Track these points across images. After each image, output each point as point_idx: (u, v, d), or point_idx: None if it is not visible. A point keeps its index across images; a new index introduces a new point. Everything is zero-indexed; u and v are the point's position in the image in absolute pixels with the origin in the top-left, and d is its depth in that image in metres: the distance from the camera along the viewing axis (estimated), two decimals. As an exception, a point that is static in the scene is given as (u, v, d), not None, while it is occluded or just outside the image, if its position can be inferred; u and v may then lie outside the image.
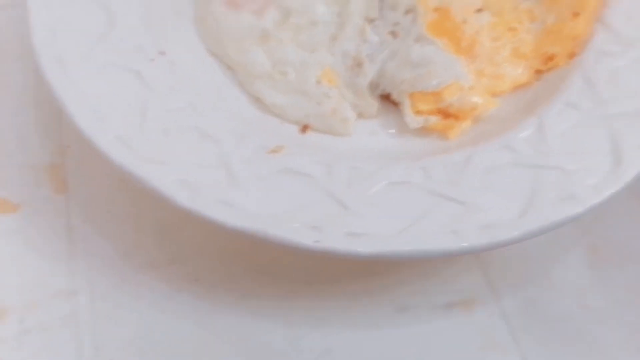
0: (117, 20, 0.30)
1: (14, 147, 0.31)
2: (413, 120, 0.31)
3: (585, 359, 0.28)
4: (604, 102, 0.29)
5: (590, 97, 0.30)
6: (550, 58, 0.33)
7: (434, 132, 0.32)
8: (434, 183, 0.26)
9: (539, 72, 0.34)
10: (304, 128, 0.32)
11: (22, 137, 0.32)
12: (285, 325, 0.27)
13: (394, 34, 0.35)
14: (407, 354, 0.27)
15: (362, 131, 0.32)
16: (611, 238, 0.31)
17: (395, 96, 0.33)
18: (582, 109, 0.29)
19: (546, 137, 0.28)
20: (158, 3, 0.33)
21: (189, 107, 0.28)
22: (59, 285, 0.27)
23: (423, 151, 0.30)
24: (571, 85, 0.31)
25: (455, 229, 0.24)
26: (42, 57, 0.27)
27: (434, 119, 0.32)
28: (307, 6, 0.34)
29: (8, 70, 0.34)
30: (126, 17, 0.31)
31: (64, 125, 0.32)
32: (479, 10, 0.35)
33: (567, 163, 0.27)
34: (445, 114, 0.32)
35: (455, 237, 0.24)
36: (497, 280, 0.29)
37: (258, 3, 0.34)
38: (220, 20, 0.34)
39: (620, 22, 0.33)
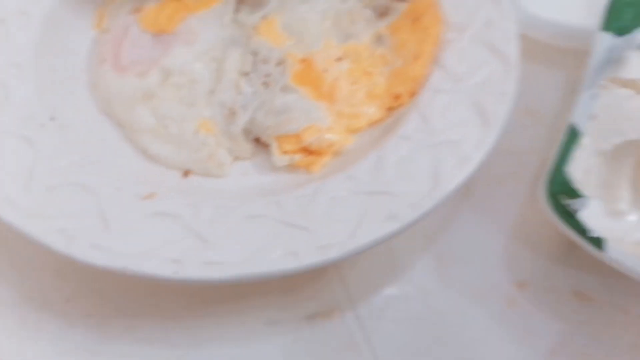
0: (11, 94, 0.34)
1: None
2: (279, 159, 0.36)
3: (430, 354, 0.32)
4: (432, 133, 0.34)
5: (422, 129, 0.35)
6: (397, 97, 0.39)
7: (299, 168, 0.36)
8: (285, 214, 0.31)
9: (390, 110, 0.39)
10: (186, 173, 0.36)
11: None
12: (169, 348, 0.31)
13: (266, 84, 0.39)
14: (274, 361, 0.31)
15: (237, 172, 0.36)
16: (453, 247, 0.36)
17: (264, 139, 0.37)
18: (414, 140, 0.34)
19: (382, 167, 0.33)
20: (53, 73, 0.38)
21: (73, 166, 0.32)
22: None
23: (284, 186, 0.34)
24: (408, 121, 0.36)
25: (295, 250, 0.28)
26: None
27: (298, 157, 0.36)
28: (185, 66, 0.39)
29: None
30: (20, 90, 0.35)
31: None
32: (339, 59, 0.40)
33: (394, 188, 0.31)
34: (308, 151, 0.37)
35: (294, 259, 0.28)
36: (354, 291, 0.34)
37: (142, 66, 0.39)
38: (110, 84, 0.38)
39: (453, 63, 0.38)
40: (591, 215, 0.34)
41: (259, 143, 0.38)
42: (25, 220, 0.28)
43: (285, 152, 0.36)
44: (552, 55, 0.43)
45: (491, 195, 0.38)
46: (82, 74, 0.39)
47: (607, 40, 0.39)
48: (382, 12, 0.43)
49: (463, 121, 0.35)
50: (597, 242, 0.31)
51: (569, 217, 0.31)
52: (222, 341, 0.31)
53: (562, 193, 0.32)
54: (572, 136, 0.34)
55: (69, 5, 0.41)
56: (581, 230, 0.31)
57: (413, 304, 0.33)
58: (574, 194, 0.32)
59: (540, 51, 0.43)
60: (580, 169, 0.35)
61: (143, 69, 0.39)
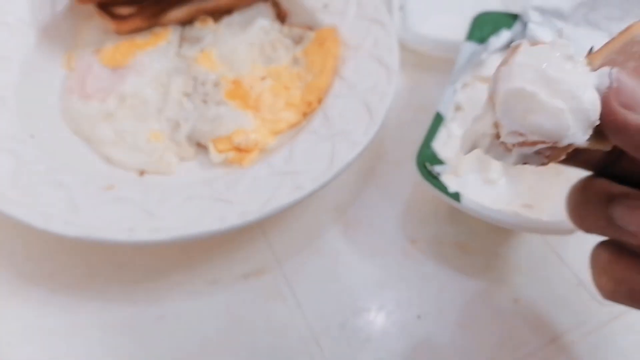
0: (-2, 118, 0.43)
1: None
2: (216, 157, 0.45)
3: (340, 300, 0.40)
4: (332, 126, 0.44)
5: (324, 125, 0.44)
6: (309, 104, 0.48)
7: (234, 163, 0.45)
8: (216, 193, 0.39)
9: (305, 114, 0.48)
10: (141, 173, 0.44)
11: None
12: (131, 305, 0.38)
13: (204, 101, 0.48)
14: (219, 313, 0.38)
15: (184, 170, 0.45)
16: (359, 216, 0.44)
17: (203, 142, 0.46)
18: (318, 133, 0.43)
19: (293, 154, 0.42)
20: (31, 104, 0.46)
21: (49, 169, 0.40)
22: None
23: (219, 176, 0.43)
24: (315, 120, 0.45)
25: (222, 216, 0.37)
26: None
27: (231, 154, 0.45)
28: (138, 92, 0.47)
29: None
30: (4, 116, 0.43)
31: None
32: (264, 78, 0.50)
33: (301, 168, 0.40)
34: (239, 149, 0.45)
35: (220, 222, 0.36)
36: (280, 253, 0.42)
37: (103, 94, 0.48)
38: (78, 109, 0.47)
39: (349, 74, 0.48)
40: (469, 185, 0.44)
41: (200, 146, 0.46)
42: (12, 208, 0.36)
43: (220, 151, 0.45)
44: (435, 64, 0.52)
45: (390, 175, 0.46)
46: (55, 104, 0.48)
47: (470, 47, 0.49)
48: (297, 40, 0.53)
49: (355, 117, 0.44)
50: (456, 196, 0.40)
51: (434, 180, 0.40)
52: (175, 298, 0.39)
53: (428, 162, 0.41)
54: (437, 120, 0.43)
55: (42, 51, 0.50)
56: (443, 188, 0.40)
57: (326, 261, 0.41)
58: (437, 162, 0.41)
59: (426, 61, 0.53)
60: (451, 150, 0.44)
61: (103, 96, 0.47)
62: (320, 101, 0.47)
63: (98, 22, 0.52)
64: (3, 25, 0.49)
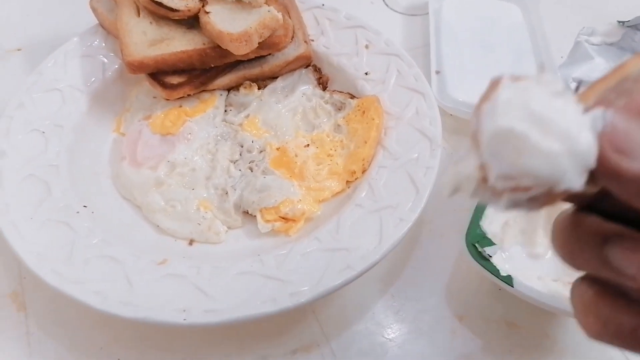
0: (52, 189, 0.42)
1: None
2: (263, 227, 0.43)
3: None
4: (378, 200, 0.42)
5: (370, 197, 0.42)
6: (352, 173, 0.46)
7: (280, 233, 0.43)
8: (266, 269, 0.38)
9: (348, 183, 0.47)
10: (190, 242, 0.43)
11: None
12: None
13: (251, 168, 0.47)
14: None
15: (232, 238, 0.43)
16: (405, 288, 0.42)
17: (250, 212, 0.45)
18: (364, 206, 0.42)
19: (340, 229, 0.40)
20: (83, 170, 0.45)
21: (102, 242, 0.39)
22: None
23: (269, 247, 0.41)
24: (360, 191, 0.43)
25: (273, 298, 0.35)
26: (1, 223, 0.38)
27: (278, 224, 0.43)
28: (187, 160, 0.46)
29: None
30: (59, 186, 0.42)
31: (21, 264, 0.42)
32: (307, 146, 0.49)
33: (349, 244, 0.39)
34: (285, 219, 0.44)
35: (272, 304, 0.35)
36: (328, 329, 0.40)
37: (153, 161, 0.47)
38: (128, 175, 0.46)
39: (392, 144, 0.46)
40: (513, 258, 0.41)
41: (247, 215, 0.45)
42: (68, 286, 0.35)
43: (267, 221, 0.44)
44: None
45: (433, 246, 0.45)
46: (105, 169, 0.47)
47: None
48: (339, 107, 0.52)
49: (400, 190, 0.42)
50: (508, 279, 0.37)
51: (485, 261, 0.38)
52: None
53: (478, 242, 0.39)
54: (483, 197, 0.41)
55: (93, 116, 0.50)
56: (495, 270, 0.38)
57: (374, 338, 0.39)
58: (488, 243, 0.39)
59: (463, 126, 0.52)
60: (499, 223, 0.42)
61: (154, 164, 0.46)
62: (364, 171, 0.46)
63: (147, 88, 0.52)
64: (55, 93, 0.49)
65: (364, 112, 0.50)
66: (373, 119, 0.48)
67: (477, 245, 0.38)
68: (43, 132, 0.46)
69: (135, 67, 0.47)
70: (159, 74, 0.50)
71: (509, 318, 0.40)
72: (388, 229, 0.39)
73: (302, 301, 0.35)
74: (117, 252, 0.38)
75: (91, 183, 0.45)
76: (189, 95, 0.51)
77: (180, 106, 0.51)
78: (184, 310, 0.34)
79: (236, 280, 0.37)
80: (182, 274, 0.37)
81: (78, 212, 0.40)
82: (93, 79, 0.50)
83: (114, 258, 0.37)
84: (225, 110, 0.52)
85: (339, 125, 0.50)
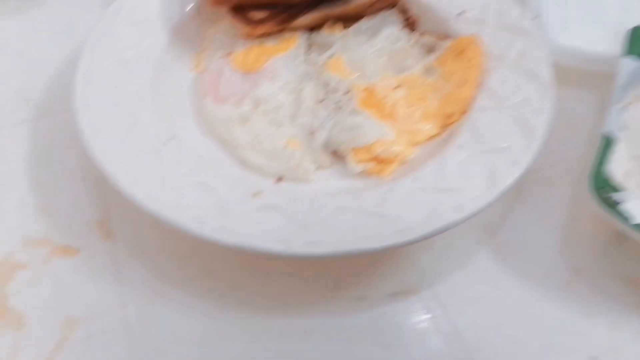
0: (138, 120, 0.40)
1: (72, 210, 0.40)
2: (355, 167, 0.41)
3: (499, 325, 0.35)
4: (483, 142, 0.39)
5: (474, 139, 0.39)
6: (449, 116, 0.43)
7: (372, 174, 0.41)
8: (366, 207, 0.35)
9: (444, 126, 0.44)
10: (278, 179, 0.41)
11: (77, 203, 0.40)
12: (277, 315, 0.35)
13: (337, 109, 0.45)
14: (367, 333, 0.34)
15: (320, 178, 0.41)
16: (510, 239, 0.39)
17: (341, 152, 0.42)
18: (468, 148, 0.39)
19: (443, 170, 0.37)
20: (166, 105, 0.44)
21: (193, 171, 0.37)
22: (113, 302, 0.35)
23: (363, 188, 0.39)
24: (462, 133, 0.40)
25: (378, 233, 0.33)
26: (91, 148, 0.37)
27: (370, 165, 0.41)
28: (271, 97, 0.44)
29: (65, 157, 0.43)
30: (144, 117, 0.41)
31: (106, 192, 0.41)
32: (396, 87, 0.46)
33: (457, 186, 0.36)
34: (378, 160, 0.41)
35: (379, 239, 0.32)
36: (428, 274, 0.37)
37: (237, 97, 0.45)
38: (212, 111, 0.44)
39: (495, 86, 0.43)
40: (634, 209, 0.38)
41: (336, 155, 0.43)
42: (166, 211, 0.33)
43: (359, 161, 0.41)
44: (582, 79, 0.47)
45: (541, 195, 0.41)
46: (187, 106, 0.45)
47: (630, 63, 0.43)
48: (429, 49, 0.49)
49: (508, 133, 0.39)
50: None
51: (613, 209, 0.35)
52: (320, 313, 0.35)
53: (604, 188, 0.35)
54: (607, 143, 0.38)
55: (173, 52, 0.48)
56: (624, 218, 0.34)
57: (482, 287, 0.36)
58: (614, 189, 0.36)
59: (571, 76, 0.48)
60: (620, 172, 0.38)
61: (238, 100, 0.45)
62: (463, 113, 0.42)
63: (226, 26, 0.50)
64: (135, 25, 0.47)
65: (460, 53, 0.46)
66: (472, 60, 0.45)
67: (602, 192, 0.35)
68: (126, 64, 0.44)
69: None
70: (242, 8, 0.47)
71: (632, 275, 0.36)
72: (500, 171, 0.36)
73: (412, 238, 0.32)
74: (210, 181, 0.36)
75: (175, 118, 0.43)
76: (270, 33, 0.49)
77: (262, 44, 0.49)
78: (285, 241, 0.32)
79: (336, 215, 0.35)
80: (279, 206, 0.35)
81: (166, 143, 0.39)
82: (172, 14, 0.49)
83: (208, 187, 0.36)
84: (308, 51, 0.49)
85: (430, 68, 0.47)
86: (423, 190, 0.36)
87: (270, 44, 0.49)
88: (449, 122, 0.43)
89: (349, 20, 0.51)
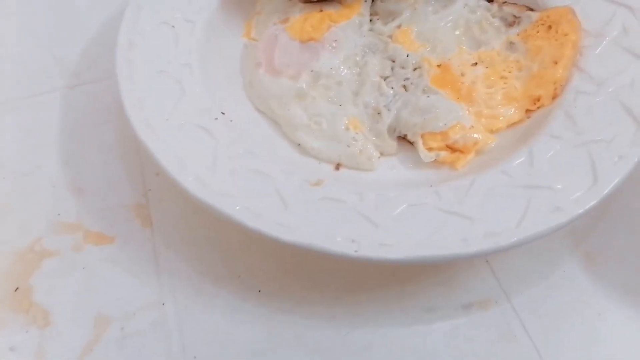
0: (186, 90, 0.36)
1: (106, 191, 0.36)
2: (426, 155, 0.36)
3: (587, 344, 0.30)
4: (582, 132, 0.33)
5: (570, 128, 0.34)
6: (537, 99, 0.38)
7: (444, 164, 0.36)
8: (445, 203, 0.30)
9: (529, 112, 0.38)
10: (337, 166, 0.36)
11: (112, 183, 0.37)
12: (333, 326, 0.31)
13: (405, 87, 0.39)
14: (435, 347, 0.30)
15: (385, 166, 0.36)
16: (604, 246, 0.34)
17: (410, 137, 0.37)
18: (564, 138, 0.33)
19: (535, 163, 0.32)
20: (215, 74, 0.39)
21: (247, 154, 0.33)
22: (150, 298, 0.31)
23: (435, 179, 0.34)
24: (554, 120, 0.35)
25: (464, 237, 0.28)
26: (134, 122, 0.32)
27: (443, 154, 0.36)
28: (333, 70, 0.39)
29: (101, 131, 0.39)
30: (193, 86, 0.36)
31: (145, 173, 0.37)
32: (474, 64, 0.40)
33: (554, 183, 0.31)
34: (452, 149, 0.36)
35: (465, 244, 0.27)
36: (506, 283, 0.32)
37: (293, 69, 0.40)
38: (265, 84, 0.40)
39: (593, 67, 0.37)
40: None
41: (402, 140, 0.38)
42: (215, 198, 0.29)
43: (430, 149, 0.36)
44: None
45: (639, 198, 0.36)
46: (237, 76, 0.41)
47: None
48: (510, 22, 0.43)
49: (611, 121, 0.33)
50: None
51: None
52: (383, 323, 0.31)
53: None
54: None
55: (223, 16, 0.43)
56: None
57: (567, 299, 0.32)
58: None
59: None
60: None
61: (295, 72, 0.40)
62: (554, 97, 0.37)
63: (280, -12, 0.44)
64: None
65: (550, 27, 0.40)
66: (566, 35, 0.39)
67: None
68: (173, 26, 0.40)
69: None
70: (299, -32, 0.42)
71: None
72: (603, 167, 0.31)
73: (503, 244, 0.27)
74: (265, 166, 0.32)
75: (225, 89, 0.38)
76: (328, -2, 0.44)
77: (321, 10, 0.43)
78: (353, 241, 0.28)
79: (408, 212, 0.30)
80: (342, 199, 0.31)
81: (217, 119, 0.35)
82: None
83: (263, 173, 0.31)
84: (371, 20, 0.44)
85: (512, 43, 0.41)
86: (511, 186, 0.31)
87: (330, 9, 0.44)
88: (536, 106, 0.38)
89: (418, -15, 0.45)
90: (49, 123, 0.40)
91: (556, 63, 0.38)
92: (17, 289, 0.32)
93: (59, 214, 0.35)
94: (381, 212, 0.30)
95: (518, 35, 0.41)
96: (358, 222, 0.29)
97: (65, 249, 0.33)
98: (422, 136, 0.36)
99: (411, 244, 0.28)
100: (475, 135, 0.36)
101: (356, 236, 0.28)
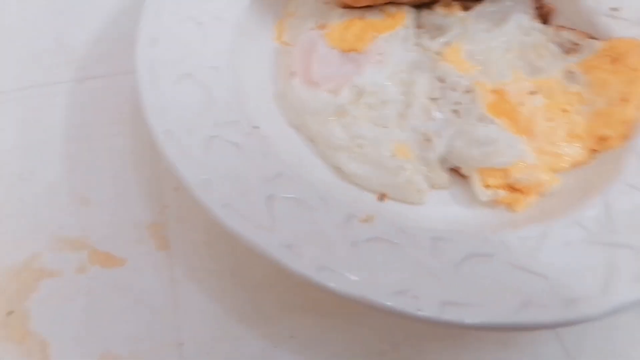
0: (214, 96, 0.32)
1: (116, 205, 0.32)
2: (483, 193, 0.32)
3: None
4: (663, 182, 0.30)
5: (649, 178, 0.30)
6: (603, 139, 0.34)
7: (502, 205, 0.32)
8: (513, 256, 0.27)
9: (594, 152, 0.34)
10: (381, 196, 0.32)
11: (123, 196, 0.32)
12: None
13: (456, 112, 0.36)
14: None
15: (435, 201, 0.33)
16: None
17: (464, 170, 0.33)
18: (643, 189, 0.30)
19: (613, 216, 0.29)
20: (245, 81, 0.35)
21: (283, 178, 0.29)
22: (166, 337, 0.27)
23: (495, 224, 0.30)
24: (628, 166, 0.31)
25: (543, 303, 0.24)
26: (156, 131, 0.28)
27: (502, 193, 0.32)
28: (377, 87, 0.35)
29: (108, 134, 0.35)
30: (222, 93, 0.32)
31: (163, 187, 0.32)
32: (533, 93, 0.36)
33: (637, 241, 0.27)
34: (513, 188, 0.33)
35: (544, 311, 0.24)
36: (575, 354, 0.29)
37: (333, 83, 0.36)
38: (300, 97, 0.36)
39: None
40: None
41: (455, 173, 0.34)
42: (252, 231, 0.25)
43: (487, 186, 0.32)
44: None
45: None
46: (267, 85, 0.37)
47: None
48: (569, 49, 0.39)
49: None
50: None
51: None
52: None
53: None
54: None
55: (253, 16, 0.39)
56: None
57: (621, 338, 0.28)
58: None
59: None
60: None
61: (335, 86, 0.36)
62: (625, 138, 0.33)
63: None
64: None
65: (616, 59, 0.37)
66: (636, 70, 0.36)
67: None
68: (200, 23, 0.36)
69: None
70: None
71: None
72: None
73: (589, 314, 0.24)
74: (305, 195, 0.28)
75: (256, 100, 0.34)
76: (371, 5, 0.40)
77: (363, 17, 0.39)
78: (415, 297, 0.24)
79: (471, 262, 0.26)
80: (395, 242, 0.26)
81: (249, 134, 0.30)
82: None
83: (303, 202, 0.27)
84: (417, 33, 0.40)
85: (571, 72, 0.38)
86: (589, 242, 0.27)
87: (373, 18, 0.40)
88: (602, 147, 0.34)
89: (468, 0, 0.41)
90: (52, 120, 0.35)
91: (626, 101, 0.35)
92: (10, 312, 0.27)
93: (61, 227, 0.30)
94: (441, 262, 0.26)
95: (578, 64, 0.38)
96: (415, 271, 0.25)
97: (68, 269, 0.29)
98: (480, 171, 0.33)
99: (480, 305, 0.24)
100: (540, 176, 0.32)
101: (416, 291, 0.24)
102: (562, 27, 0.40)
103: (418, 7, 0.41)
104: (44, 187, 0.32)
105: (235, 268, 0.29)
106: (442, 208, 0.32)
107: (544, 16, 0.42)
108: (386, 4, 0.40)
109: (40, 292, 0.28)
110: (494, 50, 0.39)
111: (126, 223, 0.31)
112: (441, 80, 0.37)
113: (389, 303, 0.23)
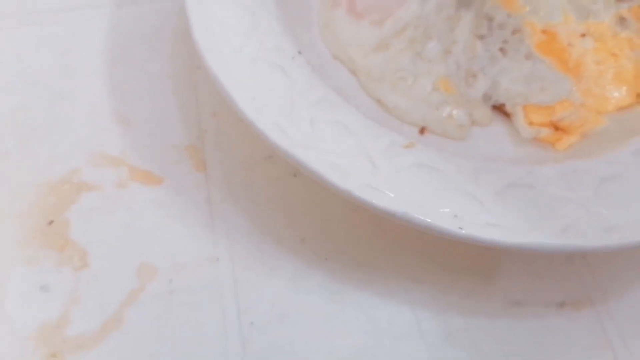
0: (260, 24, 0.33)
1: (155, 127, 0.33)
2: (526, 130, 0.33)
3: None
4: None
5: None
6: (651, 84, 0.35)
7: (543, 143, 0.33)
8: (555, 187, 0.28)
9: (639, 96, 0.35)
10: (422, 130, 0.34)
11: (163, 119, 0.34)
12: (408, 308, 0.29)
13: (503, 50, 0.36)
14: (519, 345, 0.28)
15: (474, 137, 0.34)
16: None
17: (508, 107, 0.34)
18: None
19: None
20: (291, 10, 0.36)
21: (327, 102, 0.30)
22: (202, 252, 0.29)
23: (536, 159, 0.31)
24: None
25: (583, 229, 0.25)
26: (203, 49, 0.30)
27: (545, 131, 0.33)
28: (422, 20, 0.36)
29: (147, 60, 0.36)
30: (267, 21, 0.33)
31: (201, 112, 0.34)
32: (583, 35, 0.37)
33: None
34: (556, 127, 0.34)
35: (582, 237, 0.25)
36: (605, 284, 0.30)
37: (378, 14, 0.37)
38: (344, 28, 0.37)
39: None
40: None
41: (497, 110, 0.35)
42: (298, 150, 0.26)
43: (531, 124, 0.33)
44: None
45: None
46: (311, 15, 0.38)
47: None
48: (620, -6, 0.39)
49: None
50: None
51: None
52: (465, 314, 0.29)
53: None
54: None
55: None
56: None
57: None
58: None
59: None
60: None
61: (379, 18, 0.37)
62: (674, 84, 0.34)
63: None
64: None
65: (671, 4, 0.37)
66: (693, 16, 0.36)
67: None
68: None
69: None
70: None
71: None
72: None
73: (629, 242, 0.25)
74: (349, 119, 0.29)
75: (301, 29, 0.35)
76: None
77: (409, -49, 0.40)
78: (456, 216, 0.25)
79: (512, 191, 0.28)
80: (437, 167, 0.28)
81: (293, 58, 0.32)
82: None
83: (347, 126, 0.29)
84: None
85: (623, 18, 0.38)
86: (629, 179, 0.28)
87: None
88: (648, 92, 0.35)
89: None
90: (93, 42, 0.37)
91: (679, 47, 0.35)
92: (51, 222, 0.29)
93: (101, 145, 0.32)
94: (483, 188, 0.27)
95: (630, 10, 0.38)
96: (457, 195, 0.27)
97: (107, 184, 0.31)
98: (524, 108, 0.34)
99: (522, 229, 0.25)
100: (584, 115, 0.33)
101: (458, 211, 0.26)
102: (618, -31, 0.40)
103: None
104: (85, 106, 0.34)
105: (271, 192, 0.31)
106: (482, 144, 0.33)
107: (598, -42, 0.41)
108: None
109: (81, 204, 0.30)
110: (547, -11, 0.39)
111: (165, 145, 0.32)
112: (489, 18, 0.38)
113: (429, 220, 0.25)
